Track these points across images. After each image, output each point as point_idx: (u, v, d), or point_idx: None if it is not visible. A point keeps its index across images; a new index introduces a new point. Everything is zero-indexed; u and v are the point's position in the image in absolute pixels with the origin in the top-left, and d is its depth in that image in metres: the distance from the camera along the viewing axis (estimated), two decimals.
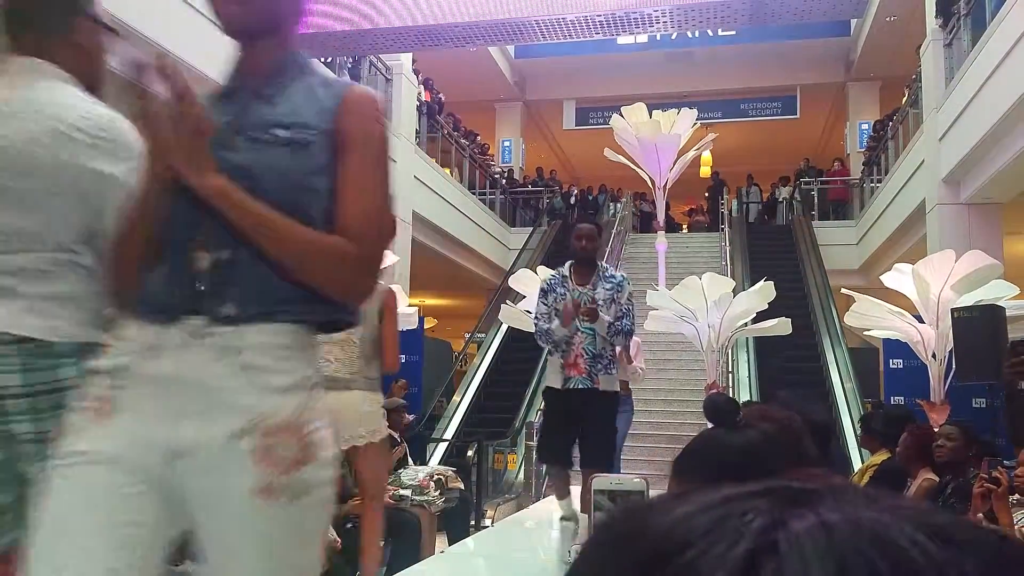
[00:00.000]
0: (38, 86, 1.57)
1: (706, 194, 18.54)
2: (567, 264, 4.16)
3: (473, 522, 6.37)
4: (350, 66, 10.61)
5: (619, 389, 4.15)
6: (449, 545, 5.17)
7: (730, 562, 0.29)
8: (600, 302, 3.93)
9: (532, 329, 5.22)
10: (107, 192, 1.53)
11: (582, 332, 3.94)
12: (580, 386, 3.92)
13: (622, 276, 4.10)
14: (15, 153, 1.49)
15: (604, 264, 4.21)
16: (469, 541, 4.98)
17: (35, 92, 1.56)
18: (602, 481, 1.11)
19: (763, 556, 0.29)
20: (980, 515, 2.71)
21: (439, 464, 6.84)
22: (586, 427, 3.91)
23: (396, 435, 6.57)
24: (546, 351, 4.22)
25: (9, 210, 1.49)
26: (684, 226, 19.04)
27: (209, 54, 7.35)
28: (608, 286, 4.00)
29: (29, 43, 1.62)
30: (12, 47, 1.60)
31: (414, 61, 12.60)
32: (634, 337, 5.72)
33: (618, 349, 4.14)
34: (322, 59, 9.23)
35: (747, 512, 0.31)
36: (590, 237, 4.10)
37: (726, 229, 14.85)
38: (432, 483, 5.42)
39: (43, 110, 1.54)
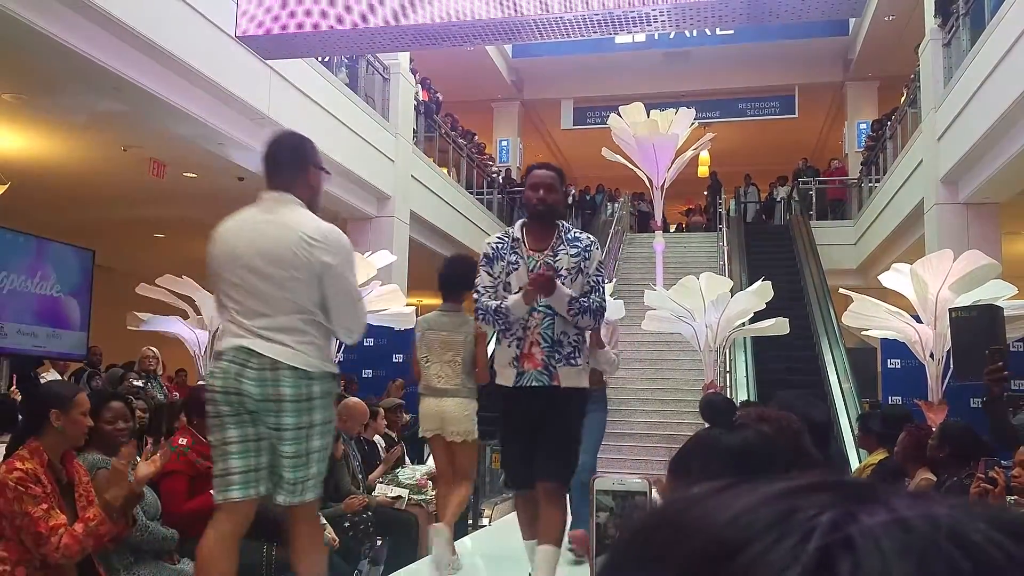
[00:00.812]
0: (287, 209, 2.58)
1: (705, 193, 18.54)
2: (518, 223, 3.24)
3: (471, 521, 6.35)
4: (348, 66, 10.59)
5: (587, 384, 3.20)
6: None
7: (804, 557, 0.28)
8: (562, 272, 3.07)
9: None
10: (330, 276, 2.51)
11: (539, 311, 3.05)
12: (535, 383, 3.06)
13: (590, 238, 3.20)
14: (279, 252, 2.50)
15: (566, 224, 3.25)
16: (467, 540, 4.96)
17: (286, 213, 2.57)
18: (604, 481, 1.09)
19: (838, 552, 0.28)
20: None
21: None
22: (543, 433, 3.09)
23: (394, 435, 6.55)
24: (492, 336, 3.30)
25: (277, 288, 2.49)
26: (675, 226, 18.99)
27: (209, 54, 7.34)
28: (573, 251, 3.12)
29: (279, 183, 2.63)
30: (268, 185, 2.65)
31: (412, 60, 12.59)
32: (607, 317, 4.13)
33: (587, 332, 3.28)
34: (320, 59, 9.21)
35: (813, 506, 0.30)
36: (548, 186, 3.14)
37: (724, 229, 14.85)
38: (430, 482, 5.41)
39: (291, 224, 2.53)
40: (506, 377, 3.14)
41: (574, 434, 3.17)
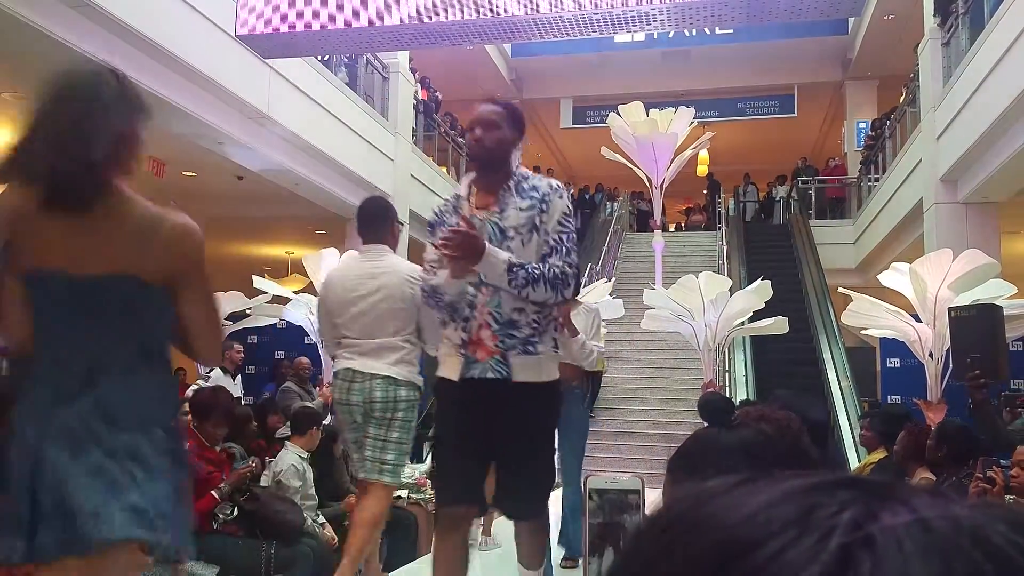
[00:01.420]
0: (387, 258, 3.40)
1: (704, 192, 18.54)
2: (466, 178, 2.62)
3: None
4: (347, 65, 10.59)
5: (555, 376, 2.52)
6: None
7: (823, 556, 0.27)
8: (509, 232, 2.40)
9: None
10: (424, 305, 2.90)
11: (485, 286, 2.42)
12: (488, 375, 2.40)
13: (552, 185, 2.49)
14: (392, 291, 3.27)
15: (522, 170, 2.53)
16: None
17: (387, 260, 3.39)
18: (596, 480, 1.09)
19: (858, 551, 0.27)
20: None
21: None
22: (501, 444, 2.44)
23: None
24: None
25: (390, 319, 3.26)
26: (674, 225, 18.98)
27: (209, 53, 7.33)
28: (526, 204, 2.43)
29: (374, 237, 3.43)
30: (364, 239, 3.45)
31: (411, 60, 12.59)
32: (592, 306, 4.32)
33: (556, 311, 2.64)
34: (320, 58, 9.21)
35: (833, 503, 0.29)
36: (488, 123, 2.45)
37: (723, 228, 14.85)
38: (429, 481, 5.41)
39: (395, 268, 3.34)
40: (450, 367, 2.47)
41: (542, 445, 2.52)
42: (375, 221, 3.44)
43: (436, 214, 2.59)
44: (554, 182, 2.52)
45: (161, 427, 1.66)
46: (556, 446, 2.89)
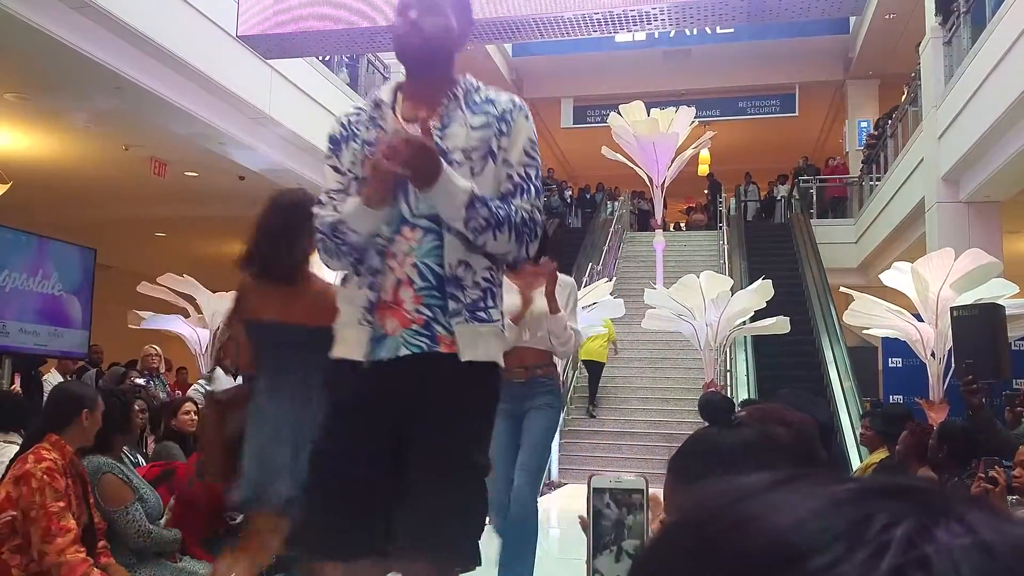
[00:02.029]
0: None
1: (705, 192, 18.53)
2: (390, 83, 1.95)
3: None
4: (348, 65, 10.59)
5: (500, 362, 1.82)
6: None
7: None
8: (454, 154, 1.77)
9: None
10: None
11: (411, 224, 1.76)
12: (405, 351, 1.73)
13: (513, 101, 1.92)
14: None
15: (470, 79, 1.98)
16: None
17: None
18: (600, 480, 1.09)
19: (913, 573, 0.26)
20: None
21: None
22: (417, 451, 1.72)
23: None
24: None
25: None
26: (674, 224, 18.96)
27: (210, 53, 7.34)
28: (479, 121, 1.84)
29: None
30: None
31: None
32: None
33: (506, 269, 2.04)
34: (320, 58, 9.21)
35: (886, 515, 0.28)
36: (429, 6, 1.87)
37: (724, 227, 14.84)
38: None
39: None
40: (350, 344, 1.76)
41: (473, 455, 1.75)
42: None
43: (344, 127, 1.87)
44: (516, 97, 1.93)
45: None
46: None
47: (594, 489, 1.08)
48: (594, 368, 10.16)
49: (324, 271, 2.28)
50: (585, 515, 1.36)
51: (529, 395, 3.22)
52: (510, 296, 2.66)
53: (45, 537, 2.65)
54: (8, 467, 2.92)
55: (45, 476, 2.69)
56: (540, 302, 3.11)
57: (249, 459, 2.40)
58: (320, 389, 2.04)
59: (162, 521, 3.39)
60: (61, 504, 2.69)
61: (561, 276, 3.21)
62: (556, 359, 3.46)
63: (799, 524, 0.28)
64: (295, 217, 2.45)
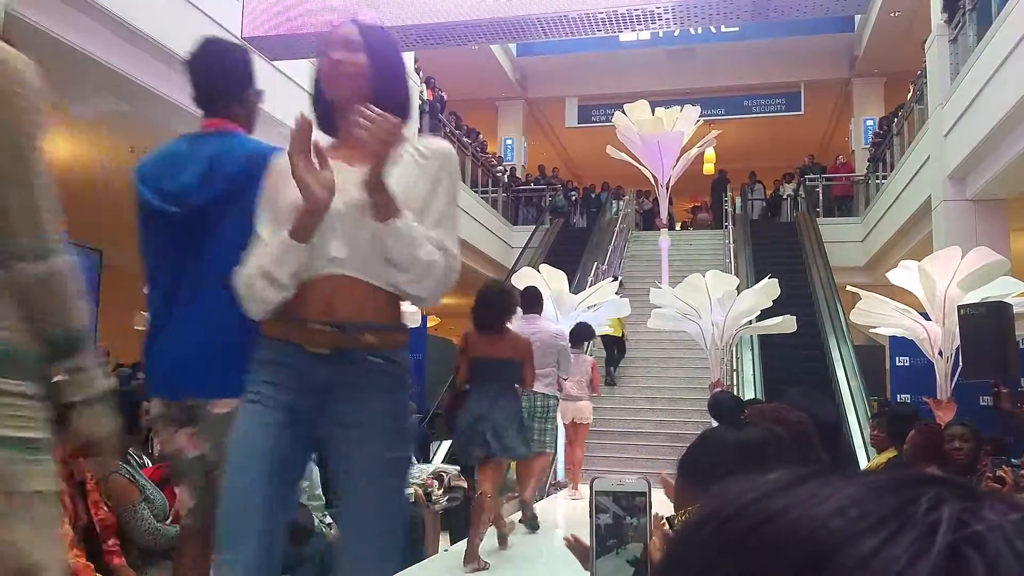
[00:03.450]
0: (538, 322, 5.65)
1: (712, 189, 18.50)
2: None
3: None
4: None
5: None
6: (452, 544, 5.15)
7: (932, 553, 0.26)
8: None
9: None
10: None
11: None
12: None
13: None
14: (545, 344, 5.37)
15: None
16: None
17: (538, 324, 5.73)
18: (603, 482, 1.08)
19: (968, 550, 0.26)
20: None
21: (442, 463, 6.82)
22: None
23: None
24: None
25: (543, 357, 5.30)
26: (680, 224, 18.92)
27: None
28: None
29: None
30: None
31: (416, 60, 12.59)
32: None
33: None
34: None
35: (925, 499, 0.27)
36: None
37: (730, 226, 14.81)
38: (435, 481, 5.41)
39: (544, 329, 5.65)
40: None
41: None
42: None
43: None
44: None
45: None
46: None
47: (596, 492, 1.07)
48: (610, 342, 10.37)
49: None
50: (573, 534, 1.37)
51: (344, 384, 1.66)
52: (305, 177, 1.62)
53: None
54: None
55: None
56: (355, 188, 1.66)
57: (464, 428, 4.16)
58: (506, 395, 4.15)
59: (167, 522, 3.39)
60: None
61: (431, 142, 1.87)
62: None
63: (840, 511, 0.27)
64: (500, 297, 4.30)
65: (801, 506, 0.28)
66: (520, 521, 5.08)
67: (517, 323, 4.75)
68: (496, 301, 4.18)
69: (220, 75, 2.22)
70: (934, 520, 0.27)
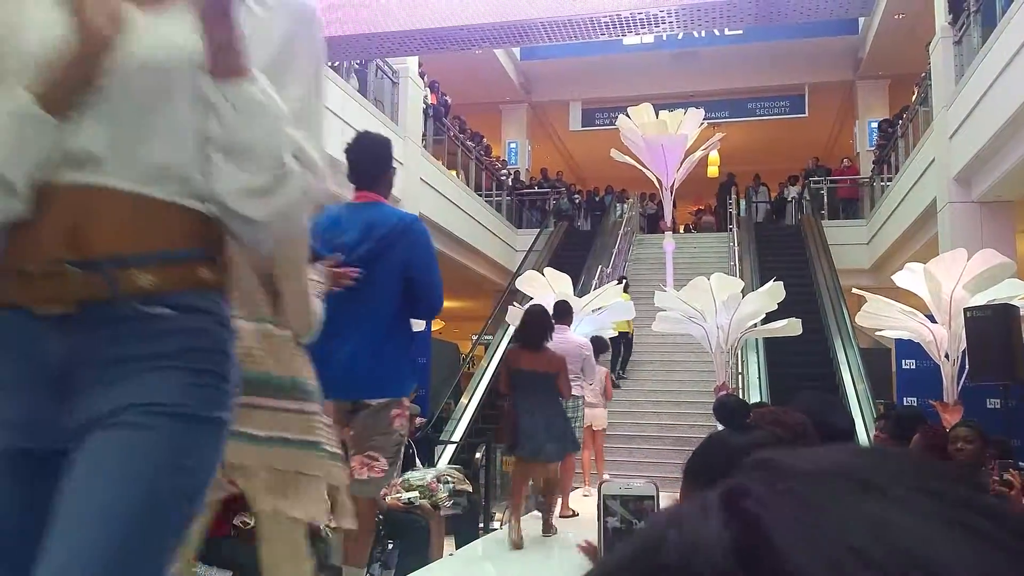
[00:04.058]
0: (565, 333, 6.38)
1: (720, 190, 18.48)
2: None
3: (481, 525, 6.34)
4: (357, 70, 10.62)
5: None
6: (457, 548, 5.14)
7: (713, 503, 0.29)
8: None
9: None
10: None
11: None
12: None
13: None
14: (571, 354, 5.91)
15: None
16: (478, 544, 4.95)
17: (565, 335, 6.18)
18: (611, 486, 1.08)
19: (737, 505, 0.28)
20: None
21: (447, 466, 6.81)
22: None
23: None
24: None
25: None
26: (684, 226, 18.89)
27: None
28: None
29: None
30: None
31: (420, 64, 12.61)
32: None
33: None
34: (329, 63, 9.24)
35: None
36: None
37: (734, 229, 14.79)
38: (440, 485, 5.39)
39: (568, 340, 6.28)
40: None
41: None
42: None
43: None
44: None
45: None
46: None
47: (605, 495, 1.07)
48: (625, 343, 10.39)
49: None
50: (587, 540, 1.35)
51: (99, 360, 1.01)
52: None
53: None
54: None
55: None
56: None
57: (523, 436, 4.61)
58: (548, 405, 4.70)
59: None
60: None
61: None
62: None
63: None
64: (542, 318, 4.87)
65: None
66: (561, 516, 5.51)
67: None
68: (538, 322, 4.85)
69: (372, 161, 2.83)
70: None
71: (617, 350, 10.57)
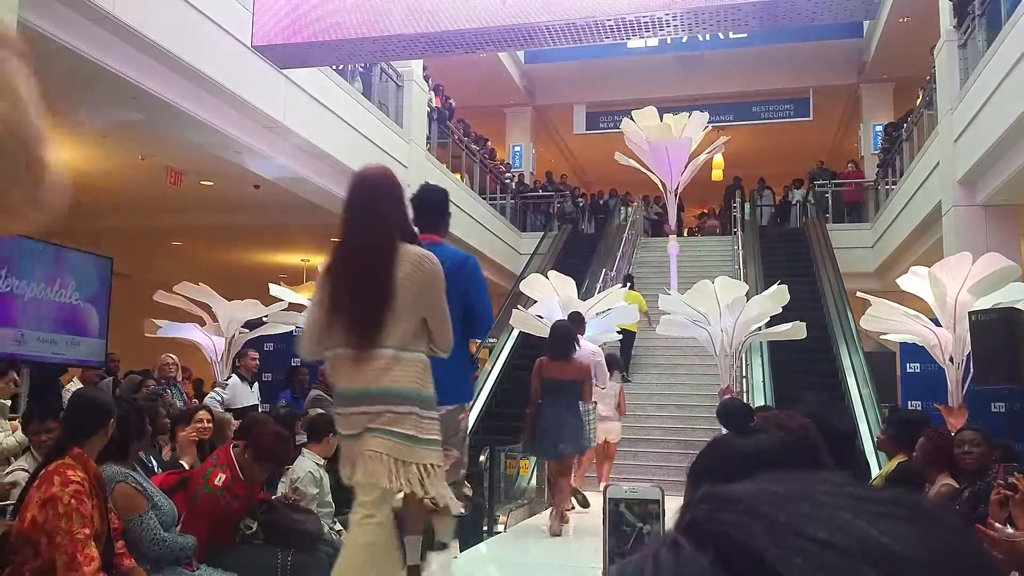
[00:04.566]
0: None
1: (724, 194, 18.46)
2: None
3: (486, 528, 6.34)
4: (362, 74, 10.64)
5: None
6: (461, 551, 5.14)
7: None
8: None
9: (544, 333, 5.17)
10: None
11: None
12: None
13: None
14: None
15: None
16: (482, 547, 4.96)
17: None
18: (616, 490, 1.09)
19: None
20: (997, 524, 2.67)
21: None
22: None
23: None
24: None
25: None
26: (687, 230, 18.87)
27: (225, 64, 7.39)
28: None
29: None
30: None
31: (425, 67, 12.63)
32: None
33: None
34: (334, 67, 9.27)
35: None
36: None
37: (739, 232, 14.78)
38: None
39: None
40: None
41: None
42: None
43: None
44: None
45: None
46: None
47: (610, 499, 1.08)
48: (627, 337, 10.38)
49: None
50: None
51: None
52: None
53: (71, 565, 2.60)
54: (29, 483, 2.87)
55: (72, 500, 2.63)
56: None
57: (540, 435, 5.30)
58: (572, 408, 5.31)
59: (177, 529, 3.40)
60: (87, 531, 2.64)
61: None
62: None
63: None
64: (567, 331, 5.56)
65: None
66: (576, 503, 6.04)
67: None
68: (565, 335, 5.49)
69: (434, 207, 3.36)
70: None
71: (625, 347, 10.56)
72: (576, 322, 6.44)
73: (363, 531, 2.53)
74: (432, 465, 2.54)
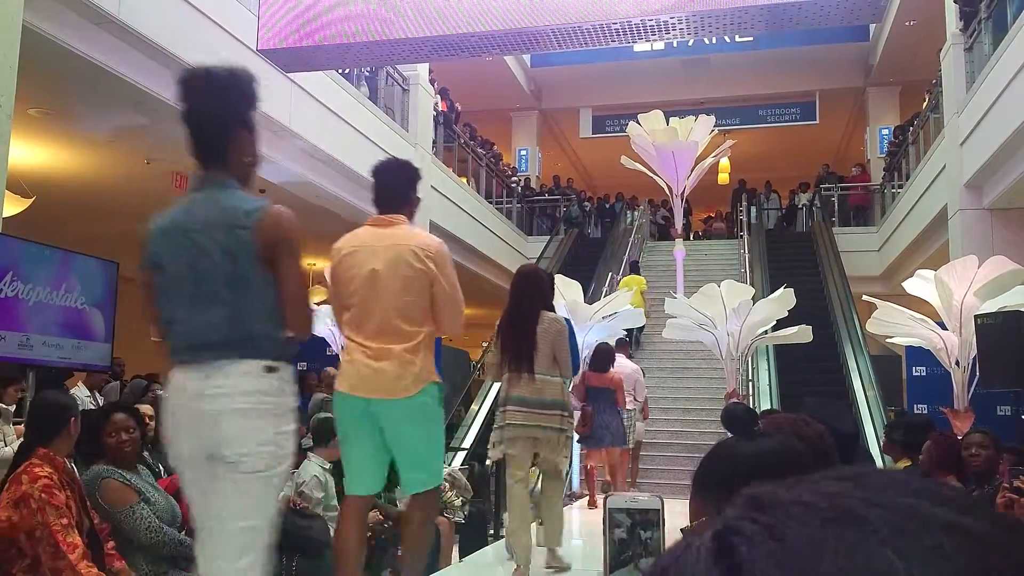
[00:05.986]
0: None
1: (731, 198, 18.44)
2: None
3: (491, 531, 6.34)
4: (367, 78, 10.67)
5: None
6: (462, 556, 5.14)
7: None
8: None
9: None
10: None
11: None
12: None
13: None
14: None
15: None
16: (488, 550, 4.95)
17: None
18: (617, 500, 1.09)
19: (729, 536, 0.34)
20: None
21: (460, 467, 6.82)
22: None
23: None
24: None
25: None
26: (693, 233, 18.82)
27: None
28: None
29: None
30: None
31: (431, 71, 12.65)
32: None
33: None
34: (340, 70, 9.29)
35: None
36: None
37: (745, 236, 14.75)
38: (447, 484, 5.40)
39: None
40: None
41: None
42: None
43: None
44: None
45: None
46: None
47: (611, 508, 1.08)
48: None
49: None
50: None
51: None
52: None
53: (56, 554, 2.64)
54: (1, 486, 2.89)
55: (43, 494, 2.66)
56: None
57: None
58: (611, 410, 6.56)
59: (183, 533, 3.40)
60: (64, 521, 2.67)
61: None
62: None
63: None
64: (606, 348, 6.75)
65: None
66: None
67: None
68: (605, 352, 6.74)
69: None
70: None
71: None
72: (620, 345, 8.03)
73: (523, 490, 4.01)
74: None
